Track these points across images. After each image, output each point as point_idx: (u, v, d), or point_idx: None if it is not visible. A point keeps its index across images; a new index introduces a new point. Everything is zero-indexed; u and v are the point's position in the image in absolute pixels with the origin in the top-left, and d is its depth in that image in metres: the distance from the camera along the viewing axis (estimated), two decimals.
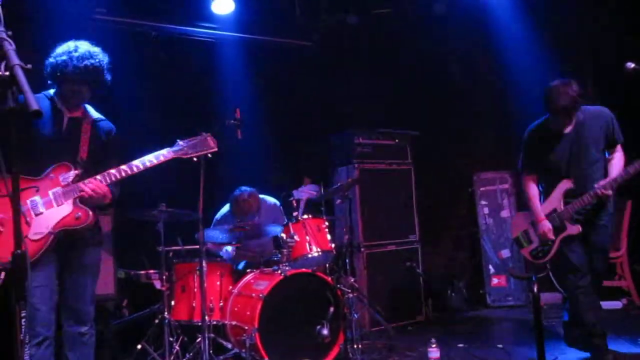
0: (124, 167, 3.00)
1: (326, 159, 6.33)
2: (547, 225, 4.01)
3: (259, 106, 6.02)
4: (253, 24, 6.35)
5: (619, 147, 3.99)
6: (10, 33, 1.72)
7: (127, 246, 5.13)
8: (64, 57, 2.93)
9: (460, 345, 4.80)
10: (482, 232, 6.78)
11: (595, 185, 3.84)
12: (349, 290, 4.68)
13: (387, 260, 6.01)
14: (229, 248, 5.14)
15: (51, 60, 2.98)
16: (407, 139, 6.39)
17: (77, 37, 3.04)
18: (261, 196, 5.28)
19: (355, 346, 4.52)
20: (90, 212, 2.95)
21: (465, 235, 7.10)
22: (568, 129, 3.97)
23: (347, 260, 5.10)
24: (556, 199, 4.01)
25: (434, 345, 4.06)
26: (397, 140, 6.33)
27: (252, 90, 6.25)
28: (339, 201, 5.54)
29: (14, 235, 1.86)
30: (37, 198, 2.87)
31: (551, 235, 3.99)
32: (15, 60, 1.64)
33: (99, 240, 3.19)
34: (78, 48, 2.97)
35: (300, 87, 6.70)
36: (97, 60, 2.97)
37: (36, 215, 2.83)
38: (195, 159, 3.28)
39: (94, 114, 3.19)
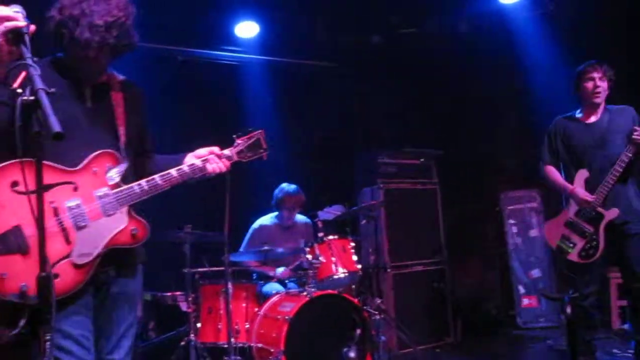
0: (187, 165, 2.36)
1: (351, 179, 6.30)
2: (581, 191, 3.93)
3: (283, 127, 6.03)
4: (276, 46, 6.41)
5: None
6: (36, 59, 1.76)
7: (152, 267, 5.14)
8: (76, 12, 2.08)
9: None
10: (511, 251, 6.63)
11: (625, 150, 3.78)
12: (376, 312, 4.62)
13: (414, 281, 5.92)
14: (280, 269, 5.06)
15: (55, 15, 2.11)
16: (432, 157, 6.34)
17: None
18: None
19: None
20: (148, 226, 2.21)
21: (494, 255, 6.96)
22: (592, 119, 4.05)
23: (373, 281, 5.04)
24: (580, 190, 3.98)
25: None
26: (422, 160, 6.27)
27: (276, 111, 6.28)
28: (364, 221, 5.49)
29: (38, 248, 1.65)
30: (78, 202, 2.04)
31: (590, 198, 3.87)
32: (39, 84, 1.67)
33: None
34: None
35: (324, 108, 6.70)
36: (123, 13, 2.18)
37: (79, 228, 2.03)
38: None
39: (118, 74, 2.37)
